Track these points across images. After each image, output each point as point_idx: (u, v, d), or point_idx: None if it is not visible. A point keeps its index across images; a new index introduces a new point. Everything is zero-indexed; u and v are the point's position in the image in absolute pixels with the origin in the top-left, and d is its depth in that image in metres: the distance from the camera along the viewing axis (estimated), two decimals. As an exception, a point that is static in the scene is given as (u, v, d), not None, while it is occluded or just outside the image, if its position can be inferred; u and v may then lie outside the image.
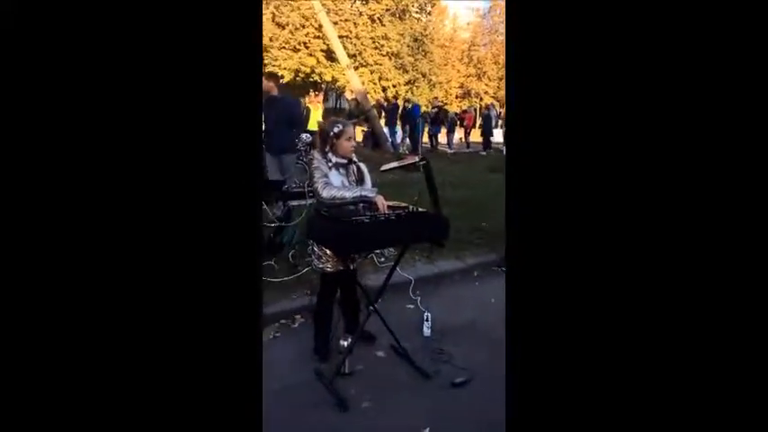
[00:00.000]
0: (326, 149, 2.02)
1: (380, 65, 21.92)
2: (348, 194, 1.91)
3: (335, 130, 2.00)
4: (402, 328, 2.54)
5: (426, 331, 2.53)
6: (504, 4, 31.17)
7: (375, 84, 21.83)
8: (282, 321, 2.63)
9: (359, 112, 10.46)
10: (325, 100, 21.28)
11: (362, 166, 2.17)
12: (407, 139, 10.70)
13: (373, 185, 2.11)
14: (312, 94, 12.76)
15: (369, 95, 12.92)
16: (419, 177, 1.99)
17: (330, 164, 2.01)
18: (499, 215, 4.44)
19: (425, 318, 2.63)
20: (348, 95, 11.15)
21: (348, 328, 2.44)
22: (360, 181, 2.13)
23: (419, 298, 2.95)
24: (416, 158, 1.92)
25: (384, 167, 2.13)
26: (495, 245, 3.71)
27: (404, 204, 2.00)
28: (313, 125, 10.22)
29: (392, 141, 10.45)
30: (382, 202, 1.90)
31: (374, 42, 21.55)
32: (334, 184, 1.97)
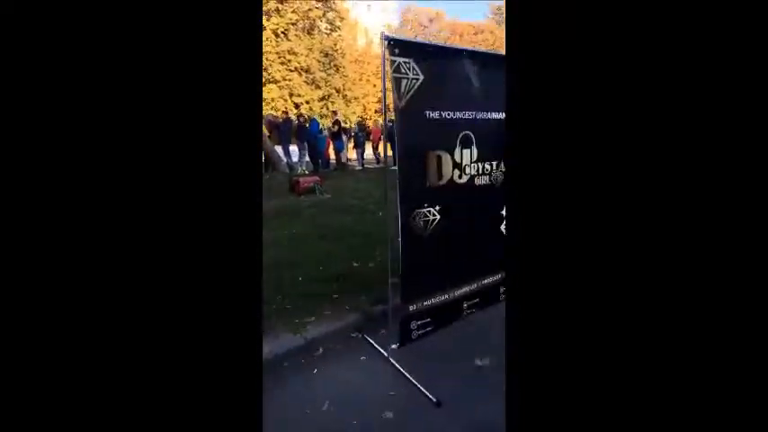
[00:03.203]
0: None
1: (290, 80, 20.80)
2: None
3: None
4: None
5: None
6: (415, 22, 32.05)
7: (286, 100, 20.63)
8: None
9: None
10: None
11: None
12: (306, 158, 9.53)
13: None
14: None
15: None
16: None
17: None
18: (383, 250, 3.41)
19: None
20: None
21: None
22: None
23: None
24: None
25: None
26: (358, 296, 2.63)
27: None
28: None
29: (287, 161, 9.24)
30: None
31: (280, 57, 20.42)
32: None
